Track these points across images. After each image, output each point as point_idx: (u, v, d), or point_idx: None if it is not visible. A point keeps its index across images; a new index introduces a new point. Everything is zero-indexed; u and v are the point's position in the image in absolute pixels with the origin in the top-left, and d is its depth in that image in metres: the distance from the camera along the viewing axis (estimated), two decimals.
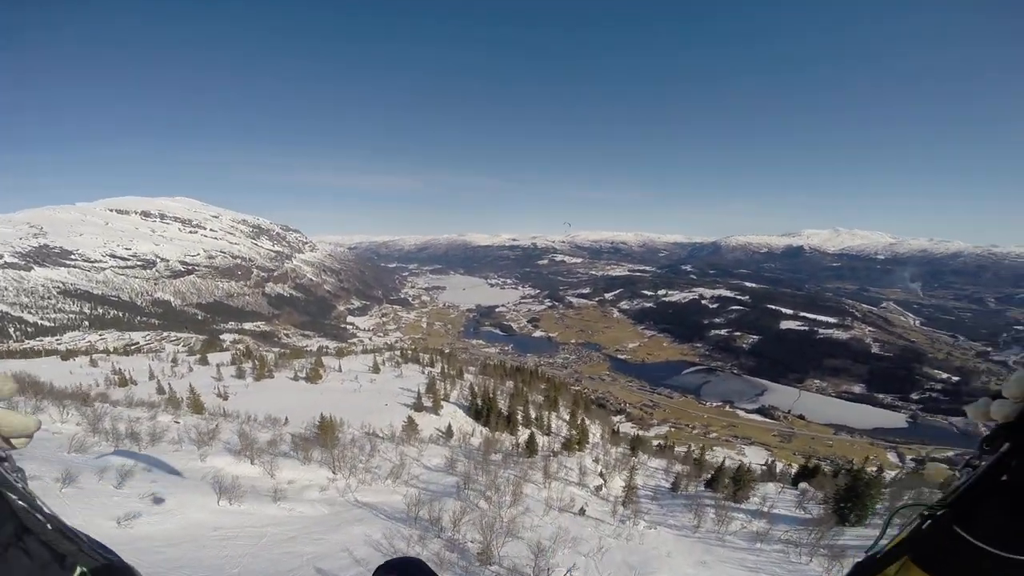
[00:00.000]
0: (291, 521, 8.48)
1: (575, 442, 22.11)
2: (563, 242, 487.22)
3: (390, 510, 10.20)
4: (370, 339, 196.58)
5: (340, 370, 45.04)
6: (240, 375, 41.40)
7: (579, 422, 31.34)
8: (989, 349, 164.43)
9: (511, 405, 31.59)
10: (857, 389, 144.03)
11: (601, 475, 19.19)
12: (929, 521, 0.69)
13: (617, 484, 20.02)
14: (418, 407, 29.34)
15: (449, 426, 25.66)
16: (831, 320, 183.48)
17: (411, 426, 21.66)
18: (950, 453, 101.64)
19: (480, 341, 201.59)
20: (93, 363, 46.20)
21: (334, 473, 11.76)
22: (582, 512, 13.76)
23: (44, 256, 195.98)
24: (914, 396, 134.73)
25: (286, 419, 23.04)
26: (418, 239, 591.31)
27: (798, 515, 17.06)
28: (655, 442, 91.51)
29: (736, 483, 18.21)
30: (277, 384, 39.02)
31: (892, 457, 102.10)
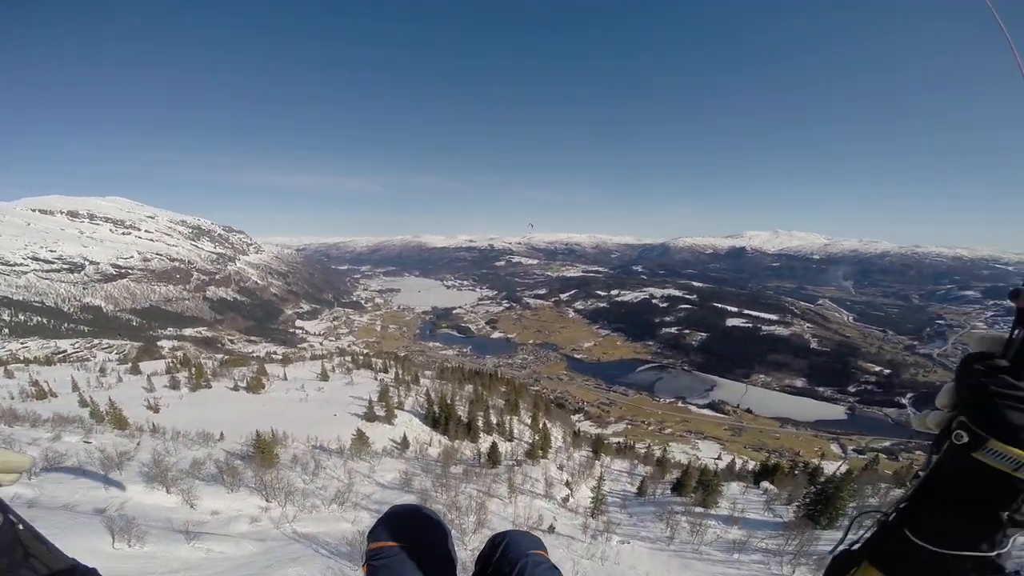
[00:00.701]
0: (207, 565, 6.91)
1: (539, 448, 21.09)
2: (520, 243, 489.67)
3: (335, 542, 8.75)
4: (321, 343, 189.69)
5: (285, 378, 42.12)
6: (174, 385, 37.89)
7: (541, 426, 30.35)
8: (915, 343, 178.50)
9: (471, 411, 30.21)
10: (799, 383, 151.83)
11: (567, 484, 18.27)
12: (883, 525, 0.76)
13: (584, 493, 19.15)
14: (370, 416, 27.42)
15: (404, 436, 24.00)
16: (773, 317, 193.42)
17: (360, 439, 19.93)
18: (887, 443, 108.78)
19: (437, 344, 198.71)
20: (8, 374, 41.29)
21: (268, 501, 10.12)
22: (551, 530, 12.70)
23: None
24: (851, 389, 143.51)
25: (221, 434, 20.76)
26: (371, 240, 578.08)
27: (768, 519, 16.70)
28: (614, 440, 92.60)
29: (704, 488, 17.67)
30: (215, 395, 35.91)
31: (835, 448, 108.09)
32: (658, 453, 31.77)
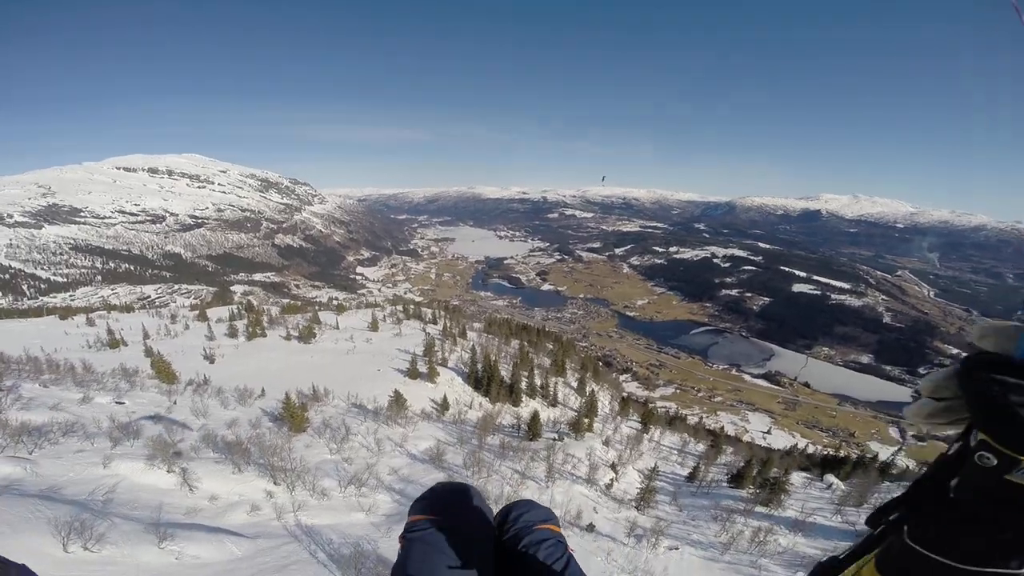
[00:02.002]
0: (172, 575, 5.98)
1: (584, 420, 19.69)
2: (574, 196, 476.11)
3: (339, 541, 7.73)
4: (379, 289, 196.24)
5: (338, 327, 42.74)
6: (233, 334, 39.28)
7: (588, 392, 28.96)
8: None
9: (515, 372, 29.09)
10: (865, 359, 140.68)
11: (613, 466, 16.83)
12: (883, 527, 0.75)
13: (631, 477, 17.69)
14: (413, 373, 26.97)
15: (444, 397, 23.29)
16: (844, 285, 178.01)
17: (397, 402, 19.22)
18: (950, 432, 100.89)
19: (488, 293, 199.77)
20: (90, 322, 44.22)
21: (276, 483, 9.28)
22: (591, 528, 11.33)
23: (54, 214, 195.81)
24: (921, 370, 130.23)
25: (263, 390, 20.73)
26: (428, 191, 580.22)
27: (838, 525, 14.59)
28: (662, 405, 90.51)
29: (769, 486, 15.61)
30: (269, 344, 36.87)
31: (893, 432, 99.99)
32: (711, 425, 29.67)
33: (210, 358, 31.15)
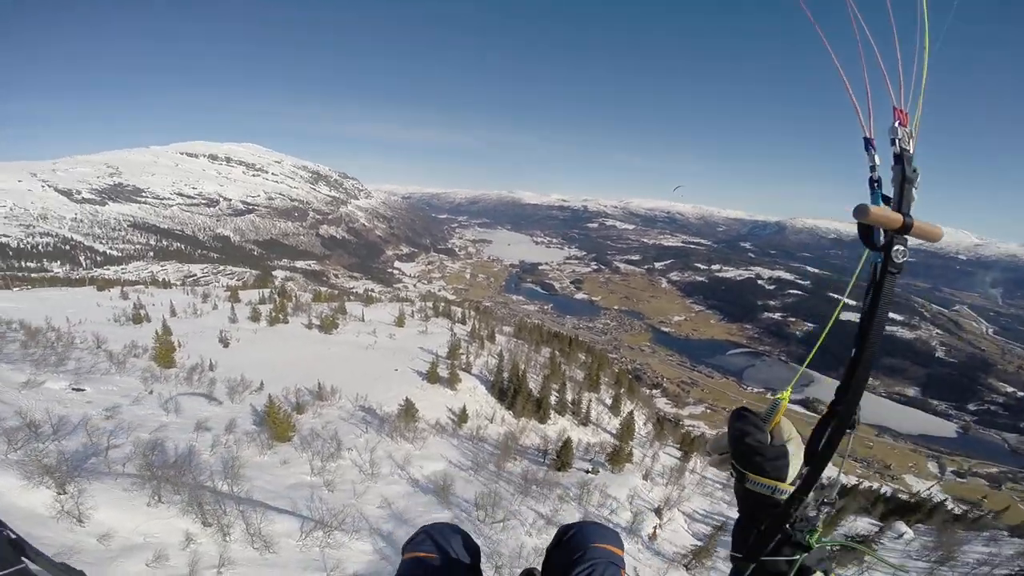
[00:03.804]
0: None
1: (622, 452, 16.67)
2: (615, 207, 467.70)
3: None
4: (415, 285, 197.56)
5: (363, 319, 40.86)
6: (255, 318, 37.91)
7: (625, 415, 25.70)
8: None
9: (544, 385, 26.18)
10: (911, 392, 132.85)
11: (658, 512, 13.76)
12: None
13: (677, 522, 14.53)
14: (432, 377, 24.41)
15: (464, 408, 20.63)
16: (897, 317, 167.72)
17: (408, 412, 16.62)
18: (993, 470, 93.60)
19: (520, 297, 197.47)
20: (124, 296, 43.92)
21: (206, 523, 6.75)
22: None
23: (118, 193, 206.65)
24: (971, 407, 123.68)
25: (261, 384, 18.58)
26: (469, 193, 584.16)
27: None
28: (690, 424, 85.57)
29: (851, 542, 12.16)
30: (288, 331, 35.19)
31: (932, 467, 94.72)
32: None
33: (224, 342, 29.50)
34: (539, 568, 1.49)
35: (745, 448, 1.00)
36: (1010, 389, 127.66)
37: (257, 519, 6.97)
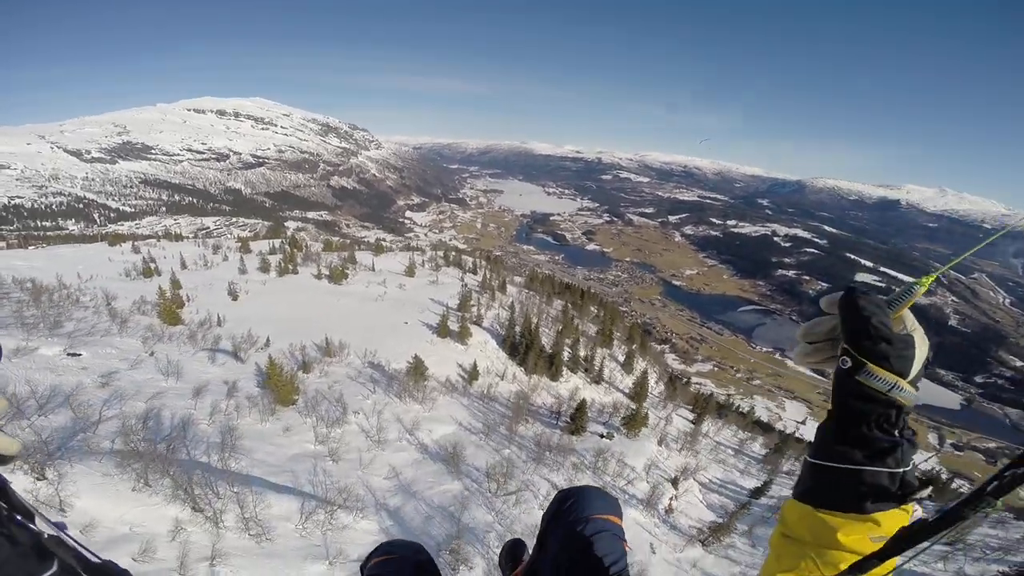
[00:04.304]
0: None
1: (639, 416, 16.13)
2: (631, 160, 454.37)
3: None
4: (425, 234, 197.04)
5: (373, 268, 40.27)
6: (265, 268, 37.52)
7: (639, 374, 25.21)
8: None
9: (557, 340, 25.58)
10: None
11: (674, 482, 13.32)
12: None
13: (693, 494, 14.14)
14: (443, 331, 23.85)
15: (475, 364, 20.11)
16: (913, 280, 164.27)
17: (417, 370, 16.10)
18: (992, 445, 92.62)
19: (531, 247, 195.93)
20: (135, 250, 43.49)
21: (196, 508, 6.21)
22: None
23: (127, 151, 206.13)
24: (978, 379, 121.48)
25: (267, 340, 18.10)
26: (480, 143, 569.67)
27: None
28: (697, 382, 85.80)
29: None
30: (298, 283, 34.74)
31: (931, 438, 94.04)
32: (745, 408, 25.41)
33: (234, 294, 29.16)
34: (526, 540, 1.37)
35: (872, 331, 0.80)
36: (1020, 363, 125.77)
37: (253, 502, 6.41)
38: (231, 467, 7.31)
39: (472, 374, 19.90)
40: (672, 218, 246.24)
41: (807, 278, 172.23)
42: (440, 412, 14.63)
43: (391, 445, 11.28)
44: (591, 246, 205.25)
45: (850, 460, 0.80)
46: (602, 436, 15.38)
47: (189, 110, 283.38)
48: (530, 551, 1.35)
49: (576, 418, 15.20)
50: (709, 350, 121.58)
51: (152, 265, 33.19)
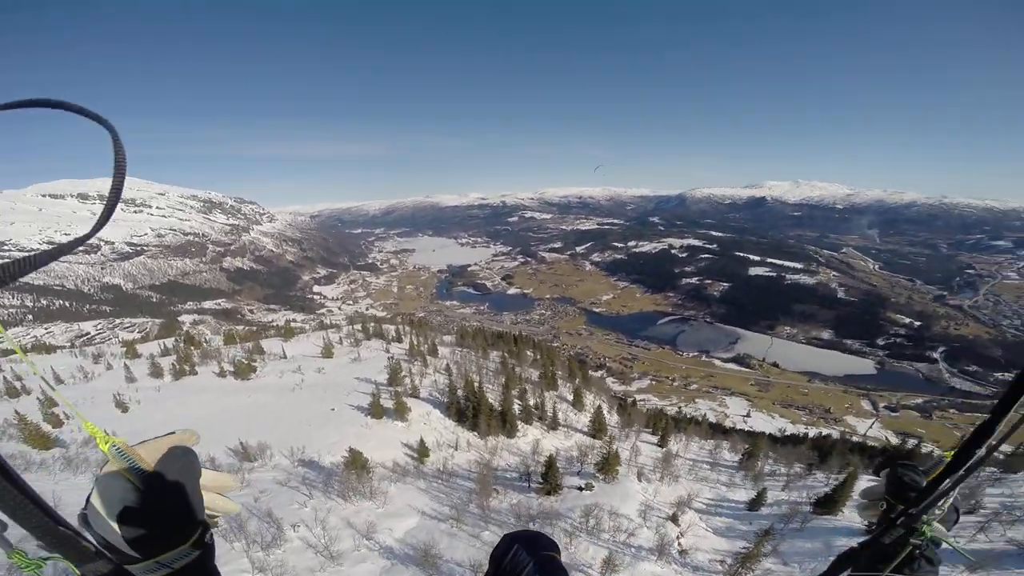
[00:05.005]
0: None
1: (612, 457, 14.85)
2: (532, 199, 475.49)
3: None
4: (339, 307, 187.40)
5: (284, 356, 36.45)
6: (156, 373, 32.64)
7: (593, 411, 24.19)
8: (944, 293, 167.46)
9: (504, 395, 23.92)
10: (826, 335, 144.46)
11: (674, 519, 12.11)
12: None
13: (696, 526, 13.00)
14: (377, 411, 21.28)
15: (422, 441, 17.93)
16: (797, 266, 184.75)
17: (356, 462, 13.77)
18: (919, 400, 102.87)
19: (454, 302, 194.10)
20: None
21: None
22: None
23: None
24: (880, 342, 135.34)
25: None
26: (383, 203, 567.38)
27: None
28: (640, 399, 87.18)
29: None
30: (199, 383, 30.40)
31: (866, 405, 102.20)
32: (691, 413, 25.46)
33: (123, 406, 24.80)
34: None
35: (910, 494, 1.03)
36: (907, 320, 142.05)
37: None
38: None
39: (421, 452, 17.67)
40: (579, 248, 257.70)
41: (709, 281, 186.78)
42: (396, 504, 12.43)
43: (348, 557, 9.04)
44: (512, 290, 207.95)
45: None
46: (581, 489, 13.93)
47: (44, 195, 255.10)
48: None
49: (548, 477, 13.65)
50: (642, 366, 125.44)
51: (18, 383, 27.98)
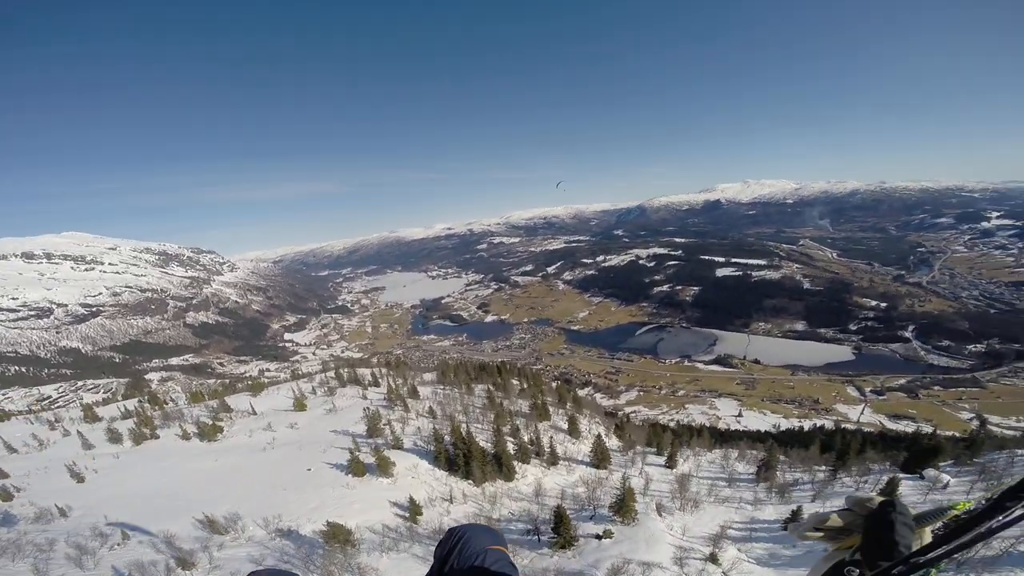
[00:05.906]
0: None
1: (628, 495, 13.28)
2: (499, 224, 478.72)
3: None
4: (313, 353, 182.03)
5: (253, 412, 33.71)
6: (115, 439, 29.63)
7: (592, 439, 22.60)
8: (903, 272, 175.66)
9: (497, 436, 21.87)
10: (799, 326, 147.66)
11: (714, 558, 10.61)
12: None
13: (737, 558, 11.52)
14: (357, 468, 19.06)
15: (411, 498, 15.97)
16: (761, 262, 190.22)
17: (337, 537, 11.85)
18: (902, 381, 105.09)
19: (432, 336, 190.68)
20: None
21: None
22: None
23: None
24: (852, 327, 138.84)
25: (123, 536, 12.59)
26: (347, 242, 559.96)
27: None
28: (630, 411, 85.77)
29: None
30: (161, 448, 27.51)
31: (852, 391, 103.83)
32: (683, 420, 24.28)
33: (78, 476, 22.04)
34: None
35: (896, 555, 0.81)
36: (874, 303, 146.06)
37: None
38: None
39: (413, 510, 15.71)
40: (550, 269, 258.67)
41: (679, 287, 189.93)
42: None
43: None
44: (489, 318, 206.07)
45: None
46: (599, 537, 12.32)
47: None
48: None
49: (560, 530, 12.00)
50: (628, 378, 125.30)
51: None
